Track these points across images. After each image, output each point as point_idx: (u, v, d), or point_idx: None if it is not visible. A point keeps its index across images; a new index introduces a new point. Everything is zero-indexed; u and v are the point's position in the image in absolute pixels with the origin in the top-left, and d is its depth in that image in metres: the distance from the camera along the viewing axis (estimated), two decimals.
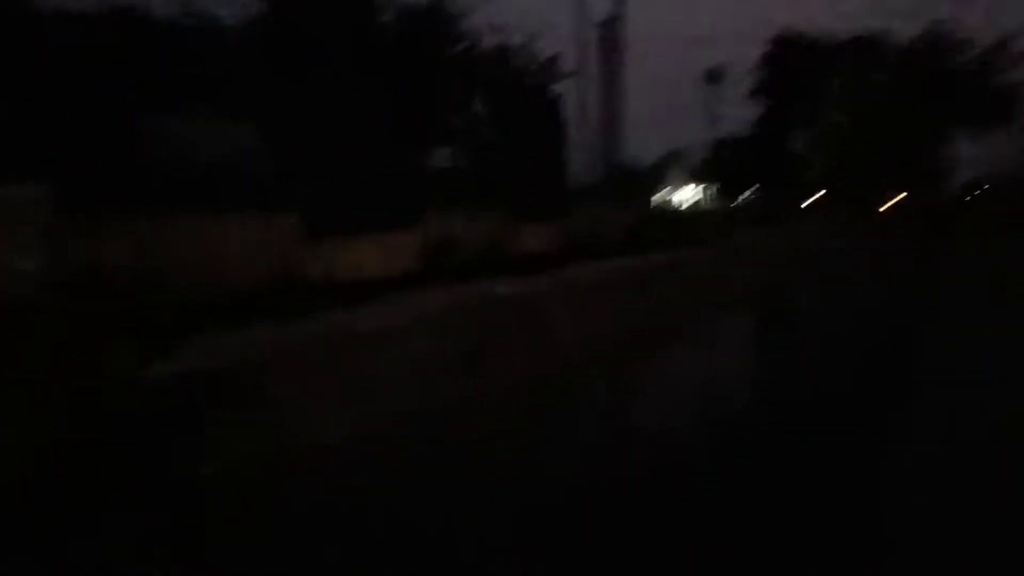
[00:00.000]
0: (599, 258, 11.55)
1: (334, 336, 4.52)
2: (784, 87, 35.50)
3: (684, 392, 4.96)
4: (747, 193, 38.12)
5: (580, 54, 19.83)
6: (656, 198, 70.03)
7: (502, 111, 16.89)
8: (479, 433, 4.12)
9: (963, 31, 33.56)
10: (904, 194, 38.15)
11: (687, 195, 65.09)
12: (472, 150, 16.48)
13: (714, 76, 17.48)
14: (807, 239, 18.38)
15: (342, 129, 11.04)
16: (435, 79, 16.00)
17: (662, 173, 69.63)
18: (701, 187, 54.94)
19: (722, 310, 8.35)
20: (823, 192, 35.94)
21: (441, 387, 4.64)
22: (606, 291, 7.32)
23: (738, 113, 37.67)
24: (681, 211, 28.80)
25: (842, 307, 9.52)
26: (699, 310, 8.06)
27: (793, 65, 35.06)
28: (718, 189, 40.29)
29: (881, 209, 36.31)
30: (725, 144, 36.76)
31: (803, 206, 34.40)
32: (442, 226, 13.44)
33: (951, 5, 34.61)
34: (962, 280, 11.46)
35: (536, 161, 16.89)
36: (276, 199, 10.06)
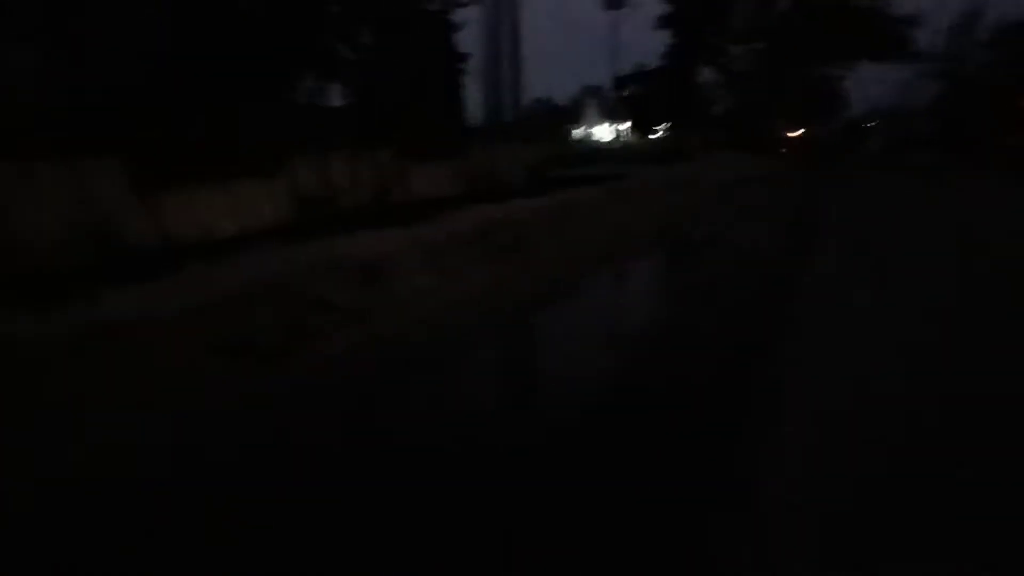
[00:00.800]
0: (490, 202, 10.51)
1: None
2: (691, 18, 34.82)
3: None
4: (658, 130, 37.89)
5: None
6: (576, 135, 69.48)
7: (391, 40, 15.09)
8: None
9: None
10: (801, 130, 39.20)
11: (603, 133, 64.66)
12: (358, 84, 14.65)
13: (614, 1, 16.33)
14: (706, 177, 18.07)
15: (184, 50, 9.11)
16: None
17: (579, 110, 68.59)
18: (615, 125, 54.55)
19: (604, 263, 7.54)
20: (726, 128, 36.19)
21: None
22: (476, 245, 6.33)
23: (651, 43, 36.91)
24: (586, 149, 28.06)
25: (732, 238, 9.04)
26: (579, 265, 7.17)
27: None
28: (630, 126, 39.81)
29: (781, 146, 37.15)
30: (632, 78, 35.99)
31: (707, 143, 34.54)
32: (318, 170, 11.90)
33: None
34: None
35: (429, 96, 15.38)
36: (88, 141, 8.23)
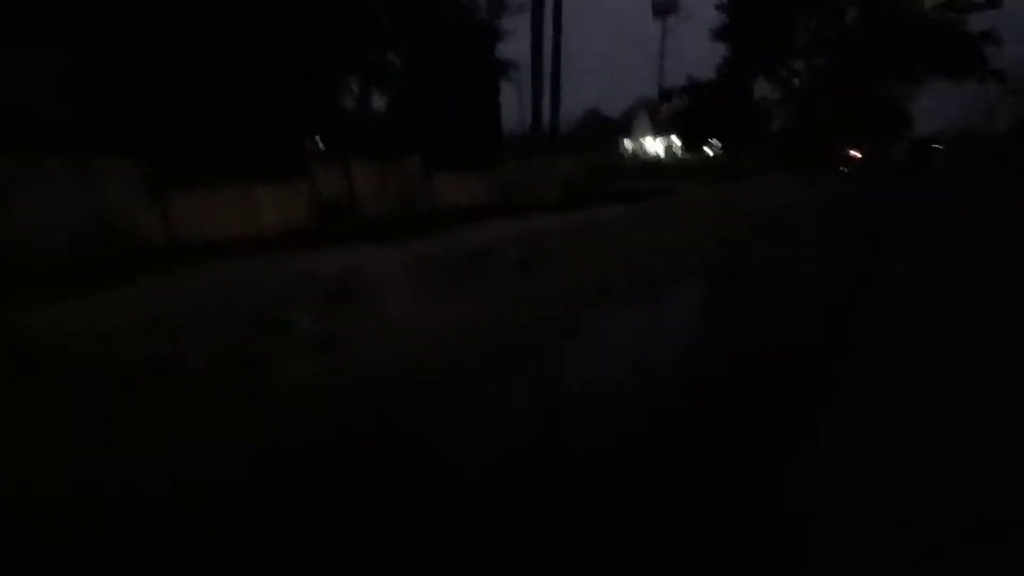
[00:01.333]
0: (518, 215, 9.92)
1: None
2: (750, 30, 33.50)
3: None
4: (710, 145, 36.60)
5: None
6: (628, 148, 68.30)
7: (429, 47, 14.77)
8: None
9: None
10: (863, 149, 37.08)
11: (655, 146, 63.25)
12: (392, 90, 14.37)
13: (663, 7, 15.18)
14: (754, 199, 16.96)
15: (197, 47, 8.89)
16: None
17: (631, 122, 67.33)
18: (666, 138, 53.26)
19: (612, 297, 6.72)
20: (785, 146, 34.56)
21: None
22: (475, 266, 5.72)
23: (704, 52, 35.76)
24: (634, 163, 27.13)
25: (772, 271, 8.09)
26: (584, 296, 6.33)
27: (759, 5, 32.98)
28: (682, 140, 38.59)
29: (841, 165, 35.18)
30: (684, 90, 34.83)
31: (763, 160, 33.04)
32: (341, 177, 11.58)
33: None
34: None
35: (464, 105, 14.96)
36: (107, 142, 8.05)
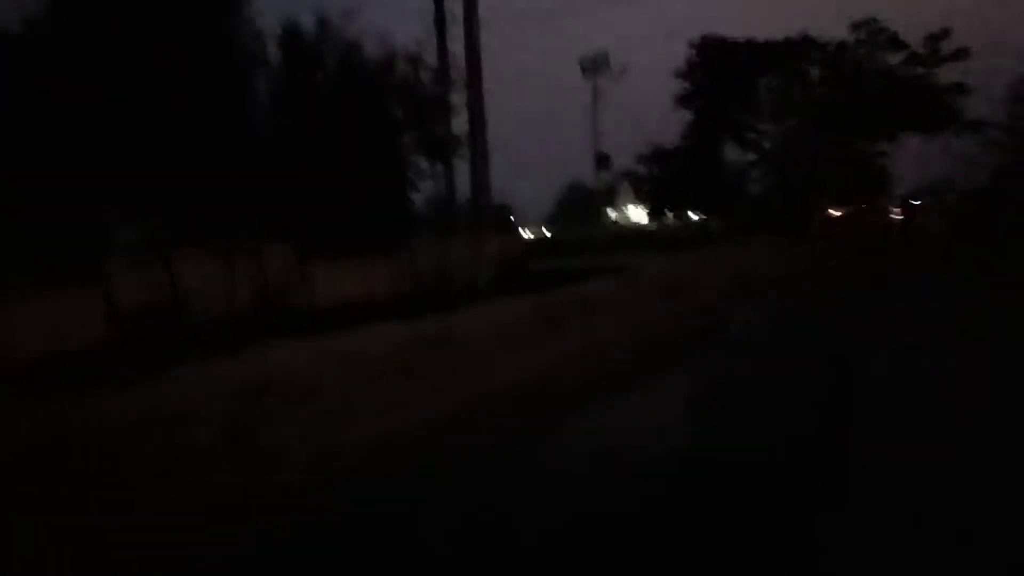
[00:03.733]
0: (407, 313, 7.25)
1: None
2: (713, 93, 32.31)
3: None
4: (679, 212, 34.78)
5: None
6: (612, 217, 67.39)
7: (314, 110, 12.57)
8: None
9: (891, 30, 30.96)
10: (842, 210, 35.12)
11: (637, 214, 62.16)
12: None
13: (592, 65, 13.51)
14: (719, 272, 14.41)
15: None
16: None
17: (613, 193, 66.82)
18: (641, 207, 51.83)
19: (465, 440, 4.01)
20: (761, 210, 32.62)
21: None
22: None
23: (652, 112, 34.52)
24: (604, 234, 24.98)
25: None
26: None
27: (721, 69, 31.92)
28: (649, 209, 36.82)
29: (820, 227, 33.05)
30: (650, 157, 33.29)
31: (738, 225, 30.99)
32: (164, 272, 8.94)
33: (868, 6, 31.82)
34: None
35: (363, 178, 12.61)
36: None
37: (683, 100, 33.38)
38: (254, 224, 10.40)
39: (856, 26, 30.84)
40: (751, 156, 34.87)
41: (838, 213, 34.69)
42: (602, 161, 14.40)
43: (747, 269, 14.78)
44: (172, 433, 3.41)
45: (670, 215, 41.47)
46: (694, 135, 32.80)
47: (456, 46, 15.93)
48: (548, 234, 62.79)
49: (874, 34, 30.65)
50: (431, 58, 16.99)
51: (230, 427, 3.60)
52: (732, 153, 34.20)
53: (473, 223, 14.27)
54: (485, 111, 15.26)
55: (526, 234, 67.90)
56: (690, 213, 38.10)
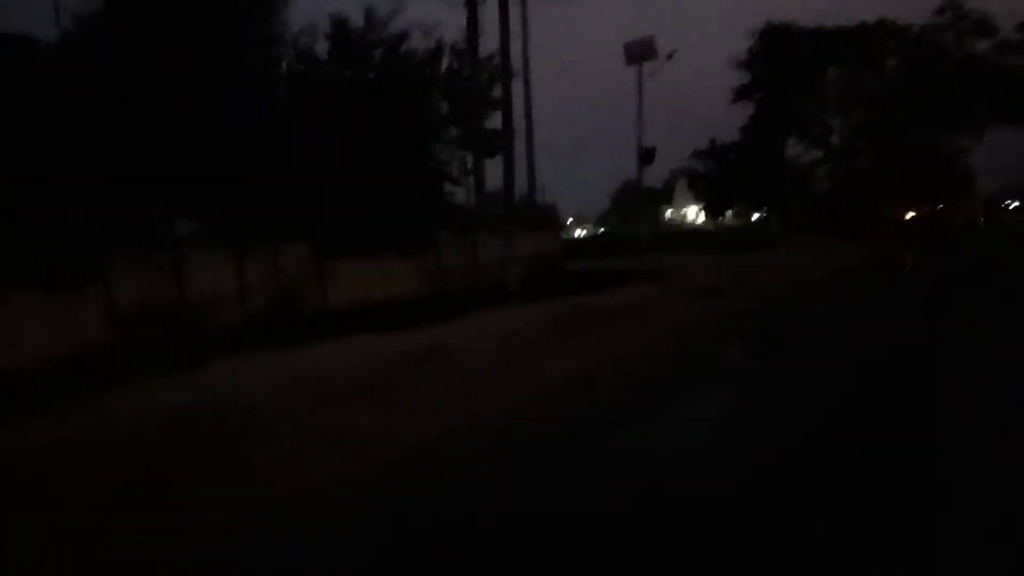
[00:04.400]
0: (430, 317, 6.71)
1: None
2: (775, 85, 30.36)
3: None
4: (730, 211, 33.03)
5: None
6: (669, 216, 65.52)
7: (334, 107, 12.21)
8: None
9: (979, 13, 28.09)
10: (919, 211, 32.38)
11: (695, 213, 60.21)
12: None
13: (637, 52, 12.44)
14: (772, 275, 13.16)
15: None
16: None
17: (672, 191, 65.01)
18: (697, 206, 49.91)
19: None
20: (825, 209, 30.48)
21: None
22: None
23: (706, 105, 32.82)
24: (634, 235, 23.84)
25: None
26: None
27: (785, 59, 29.93)
28: (706, 207, 35.11)
29: (894, 229, 30.56)
30: (707, 153, 31.64)
31: (802, 225, 29.06)
32: (171, 271, 8.69)
33: None
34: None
35: (387, 174, 12.15)
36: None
37: (742, 92, 31.56)
38: (271, 222, 10.07)
39: (941, 10, 28.27)
40: (816, 152, 32.70)
41: (912, 214, 32.05)
42: (647, 156, 13.48)
43: (803, 274, 13.48)
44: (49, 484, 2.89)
45: (729, 214, 39.57)
46: (754, 129, 30.96)
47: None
48: (600, 231, 61.59)
49: (960, 18, 28.00)
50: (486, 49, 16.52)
51: (126, 482, 3.05)
52: (795, 149, 32.15)
53: (503, 220, 13.57)
54: (528, 103, 14.56)
55: (579, 232, 66.74)
56: (754, 213, 36.27)
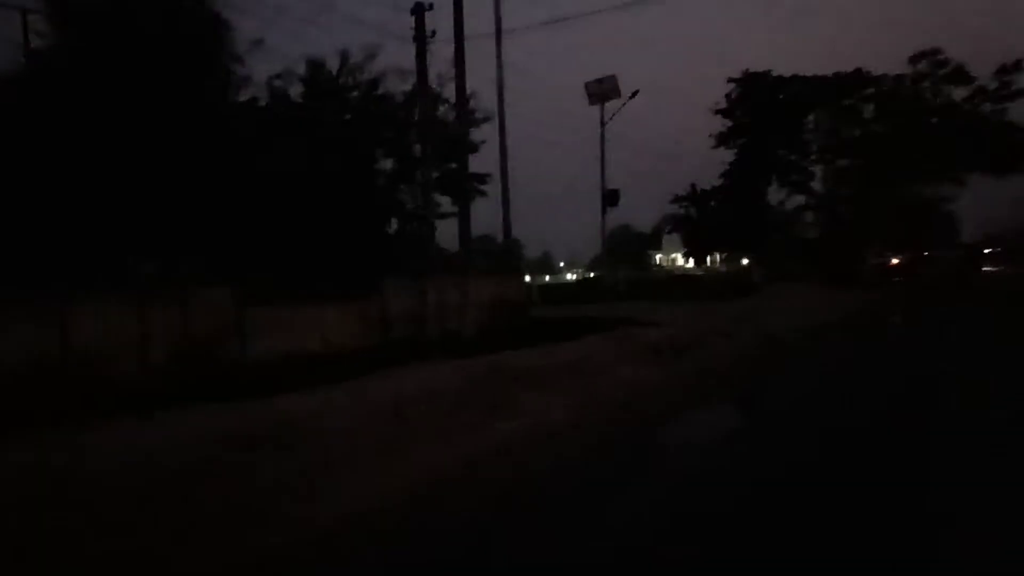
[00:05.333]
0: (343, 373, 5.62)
1: None
2: (755, 131, 30.20)
3: None
4: (719, 255, 32.39)
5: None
6: (659, 261, 65.17)
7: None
8: None
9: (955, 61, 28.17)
10: (901, 257, 31.90)
11: (682, 259, 59.86)
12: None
13: (600, 93, 11.70)
14: (742, 327, 12.20)
15: None
16: None
17: (660, 236, 65.01)
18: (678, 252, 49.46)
19: None
20: (808, 255, 29.93)
21: None
22: None
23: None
24: (614, 280, 23.01)
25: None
26: None
27: (764, 106, 29.85)
28: (687, 252, 34.51)
29: (873, 275, 29.92)
30: (688, 198, 31.22)
31: (784, 271, 28.40)
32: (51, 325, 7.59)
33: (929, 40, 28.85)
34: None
35: (315, 220, 11.25)
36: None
37: (723, 138, 31.39)
38: (188, 265, 9.05)
39: (916, 58, 28.39)
40: (798, 198, 32.34)
41: (895, 260, 31.55)
42: (610, 197, 12.64)
43: (780, 323, 12.53)
44: None
45: (719, 258, 38.91)
46: (735, 175, 30.65)
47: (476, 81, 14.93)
48: (589, 275, 60.75)
49: (937, 66, 28.09)
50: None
51: None
52: (777, 195, 31.78)
53: (459, 266, 12.64)
54: (503, 145, 13.94)
55: (570, 276, 65.92)
56: (743, 258, 35.64)
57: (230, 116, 11.33)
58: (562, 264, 79.18)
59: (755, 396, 6.75)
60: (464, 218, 12.81)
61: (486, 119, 24.61)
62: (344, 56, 18.49)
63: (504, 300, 14.43)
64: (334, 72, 18.89)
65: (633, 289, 25.75)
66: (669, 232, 35.23)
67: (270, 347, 9.57)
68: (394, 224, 15.54)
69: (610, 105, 15.78)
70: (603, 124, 13.65)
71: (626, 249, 69.19)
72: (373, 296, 11.31)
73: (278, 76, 15.00)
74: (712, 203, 31.07)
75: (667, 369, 7.36)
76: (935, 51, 28.04)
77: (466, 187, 12.92)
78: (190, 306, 8.72)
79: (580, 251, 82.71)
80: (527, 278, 21.67)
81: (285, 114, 13.74)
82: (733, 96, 30.66)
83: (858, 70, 29.51)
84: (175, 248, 9.29)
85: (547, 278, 64.48)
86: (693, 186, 31.12)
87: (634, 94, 13.67)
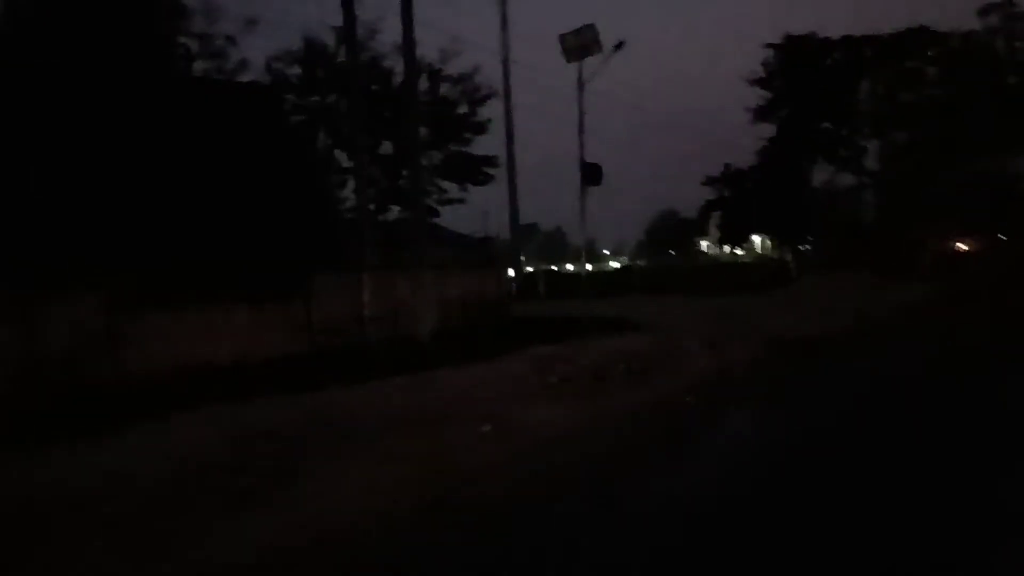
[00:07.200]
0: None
1: None
2: (798, 103, 27.03)
3: None
4: (767, 240, 29.50)
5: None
6: (703, 247, 61.90)
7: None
8: None
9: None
10: (971, 242, 27.89)
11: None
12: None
13: (575, 44, 9.86)
14: (756, 327, 9.95)
15: None
16: None
17: (706, 222, 61.78)
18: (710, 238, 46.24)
19: None
20: (856, 240, 26.67)
21: None
22: None
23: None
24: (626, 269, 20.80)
25: None
26: None
27: (809, 74, 26.62)
28: (721, 237, 31.68)
29: (934, 263, 26.21)
30: (722, 179, 28.40)
31: (829, 258, 25.38)
32: None
33: None
34: None
35: (251, 199, 9.70)
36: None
37: (761, 112, 28.31)
38: (41, 264, 7.61)
39: (985, 10, 24.57)
40: (847, 177, 28.95)
41: (964, 246, 27.73)
42: (591, 174, 10.59)
43: (798, 323, 10.24)
44: None
45: (767, 243, 35.72)
46: (773, 152, 27.61)
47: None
48: (635, 264, 57.82)
49: (1010, 20, 24.25)
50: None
51: None
52: (823, 174, 28.55)
53: (413, 259, 10.84)
54: (509, 126, 12.03)
55: (614, 264, 62.98)
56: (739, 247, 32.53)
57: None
58: (605, 252, 76.25)
59: (697, 476, 4.03)
60: (418, 202, 10.98)
61: (489, 95, 22.72)
62: (339, 35, 17.63)
63: (478, 297, 12.60)
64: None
65: (653, 280, 23.47)
66: (700, 216, 32.41)
67: (160, 360, 8.10)
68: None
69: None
70: (581, 85, 11.59)
71: (668, 236, 65.66)
72: (299, 295, 9.71)
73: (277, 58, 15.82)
74: (748, 184, 28.13)
75: (592, 407, 5.36)
76: (1009, 2, 24.19)
77: (415, 164, 11.09)
78: (37, 321, 7.27)
79: (627, 238, 79.39)
80: (529, 270, 19.74)
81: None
82: (772, 64, 27.53)
83: (923, 27, 25.81)
84: (20, 247, 7.82)
85: (588, 267, 62.05)
86: (727, 165, 28.30)
87: (618, 46, 11.55)
